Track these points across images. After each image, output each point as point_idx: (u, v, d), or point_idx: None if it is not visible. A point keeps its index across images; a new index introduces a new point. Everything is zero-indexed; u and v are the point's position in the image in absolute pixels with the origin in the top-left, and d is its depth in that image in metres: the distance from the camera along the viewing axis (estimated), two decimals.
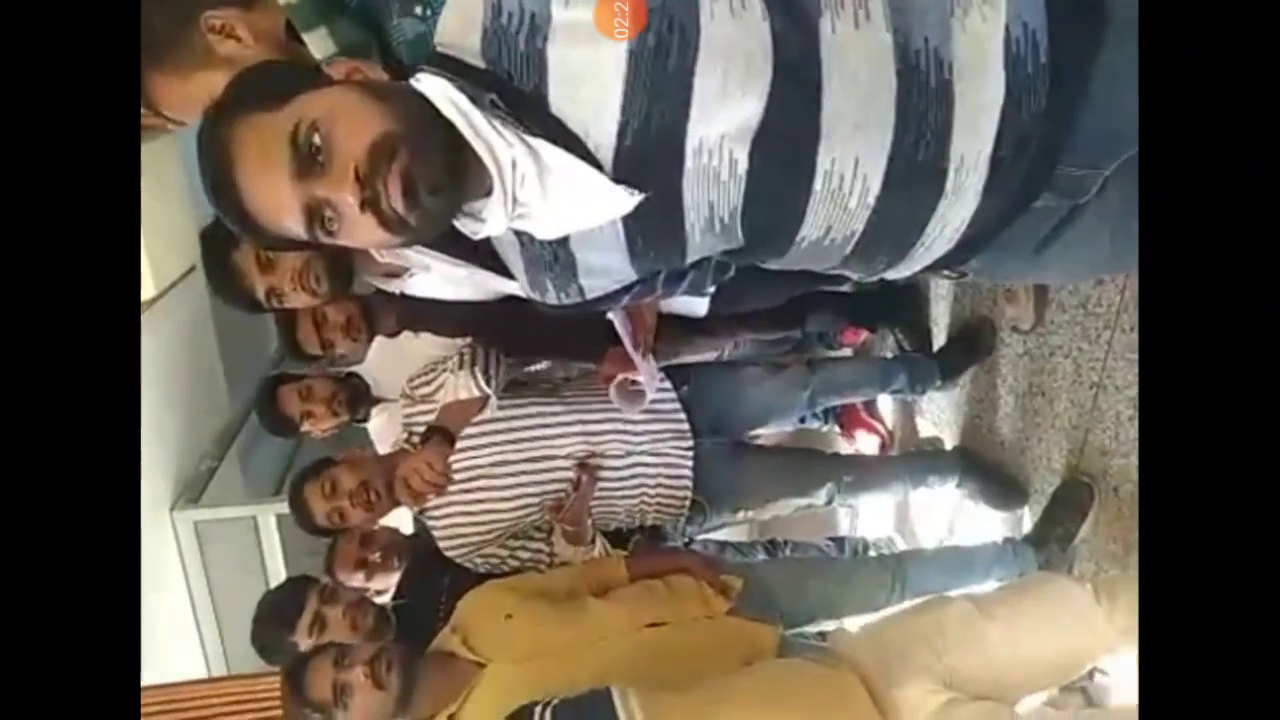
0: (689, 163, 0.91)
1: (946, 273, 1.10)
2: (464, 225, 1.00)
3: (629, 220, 0.96)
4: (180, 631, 3.31)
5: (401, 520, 2.47)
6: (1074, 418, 2.14)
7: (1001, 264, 1.09)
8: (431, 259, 1.29)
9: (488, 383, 1.93)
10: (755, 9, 0.88)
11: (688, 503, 2.15)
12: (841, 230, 0.99)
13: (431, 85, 0.90)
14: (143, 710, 2.43)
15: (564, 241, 1.00)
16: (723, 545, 2.55)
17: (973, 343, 2.51)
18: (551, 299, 1.07)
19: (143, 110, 1.12)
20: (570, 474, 2.03)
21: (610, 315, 1.81)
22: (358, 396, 2.27)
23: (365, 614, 2.02)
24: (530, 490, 2.03)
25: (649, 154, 0.91)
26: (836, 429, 3.10)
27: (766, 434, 2.80)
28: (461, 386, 1.91)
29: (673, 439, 2.14)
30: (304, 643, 1.96)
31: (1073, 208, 1.02)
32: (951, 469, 2.49)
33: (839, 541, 2.80)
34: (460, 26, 0.90)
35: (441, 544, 2.06)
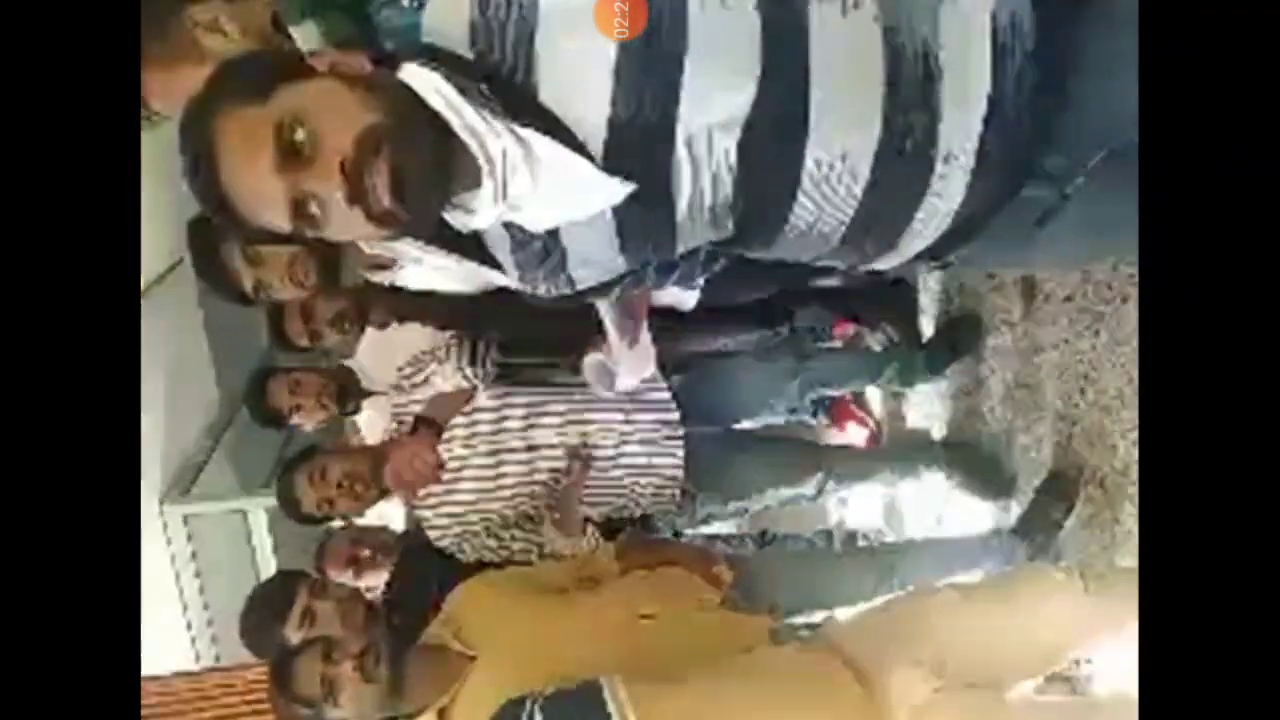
0: (679, 152, 0.91)
1: (934, 263, 1.10)
2: (453, 217, 1.00)
3: (619, 211, 0.96)
4: (169, 625, 3.30)
5: (392, 517, 2.47)
6: (1061, 410, 2.15)
7: (989, 253, 1.09)
8: (421, 251, 1.28)
9: (475, 373, 1.92)
10: None
11: (678, 493, 2.16)
12: (830, 219, 0.99)
13: (418, 76, 0.90)
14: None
15: (554, 233, 0.99)
16: (711, 538, 2.55)
17: (961, 335, 2.52)
18: (541, 290, 1.07)
19: None
20: (561, 464, 2.03)
21: (599, 305, 1.80)
22: (347, 389, 2.27)
23: (355, 608, 2.02)
24: (520, 480, 2.03)
25: (639, 144, 0.91)
26: (826, 421, 3.10)
27: (756, 425, 2.80)
28: (449, 377, 1.91)
29: (663, 429, 2.14)
30: (294, 636, 1.96)
31: (1060, 197, 1.02)
32: (939, 460, 2.50)
33: (828, 533, 2.80)
34: (448, 17, 0.90)
35: (431, 534, 2.05)
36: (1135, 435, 1.92)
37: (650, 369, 1.99)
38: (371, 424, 2.29)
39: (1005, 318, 2.33)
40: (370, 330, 2.19)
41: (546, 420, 2.05)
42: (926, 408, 2.77)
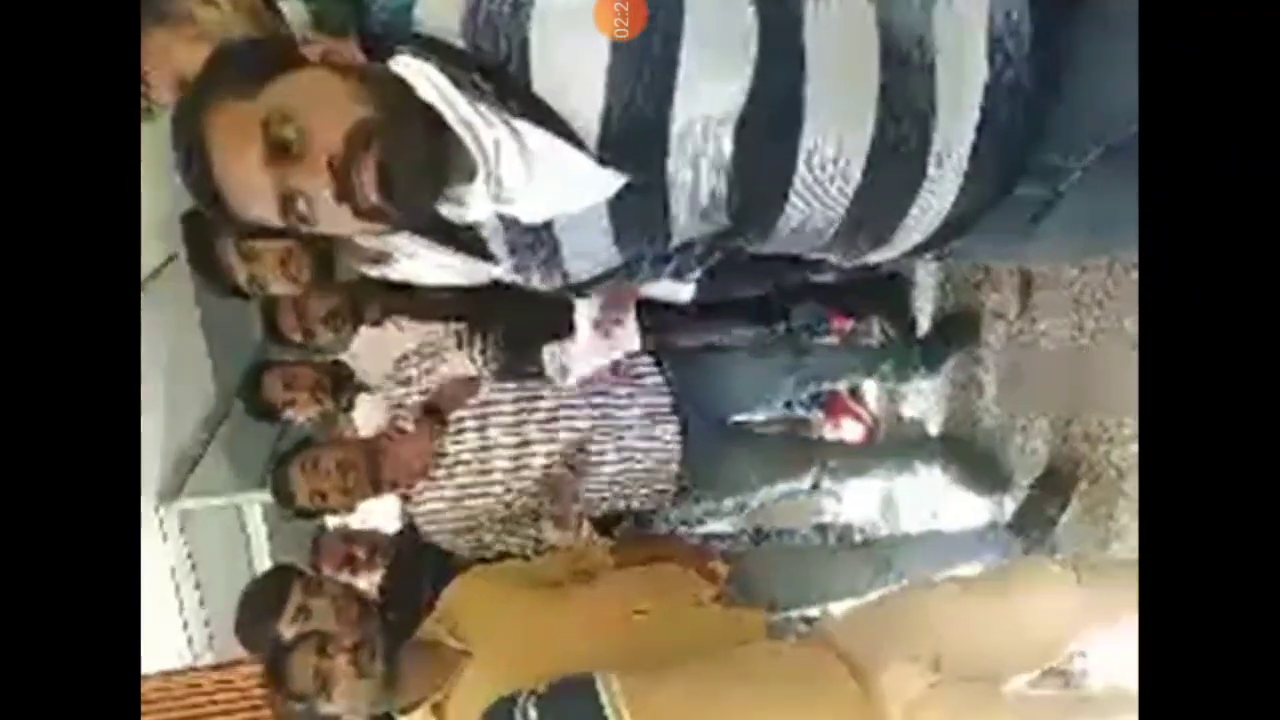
0: (673, 145, 0.91)
1: (928, 255, 1.10)
2: (447, 209, 0.99)
3: (613, 203, 0.95)
4: (164, 620, 3.30)
5: (387, 514, 2.46)
6: (1057, 404, 2.15)
7: (984, 248, 1.10)
8: (415, 245, 1.28)
9: (484, 364, 1.92)
10: None
11: (674, 487, 2.16)
12: (825, 213, 0.99)
13: (411, 67, 0.89)
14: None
15: (548, 225, 0.99)
16: (706, 536, 2.55)
17: (957, 330, 2.52)
18: (536, 283, 1.07)
19: None
20: (553, 458, 2.03)
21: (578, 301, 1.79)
22: (342, 383, 2.26)
23: (350, 603, 2.02)
24: (511, 474, 2.02)
25: (633, 136, 0.90)
26: (821, 415, 3.11)
27: (752, 419, 2.80)
28: (459, 364, 1.91)
29: (659, 423, 2.14)
30: (288, 632, 1.95)
31: (1055, 194, 1.02)
32: (935, 455, 2.51)
33: (824, 528, 2.81)
34: (442, 5, 0.89)
35: (425, 528, 2.05)
36: (1129, 431, 1.92)
37: (604, 359, 1.97)
38: (366, 418, 2.29)
39: (1001, 313, 2.33)
40: (364, 328, 2.19)
41: (542, 414, 2.05)
42: (922, 403, 2.78)
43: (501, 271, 1.08)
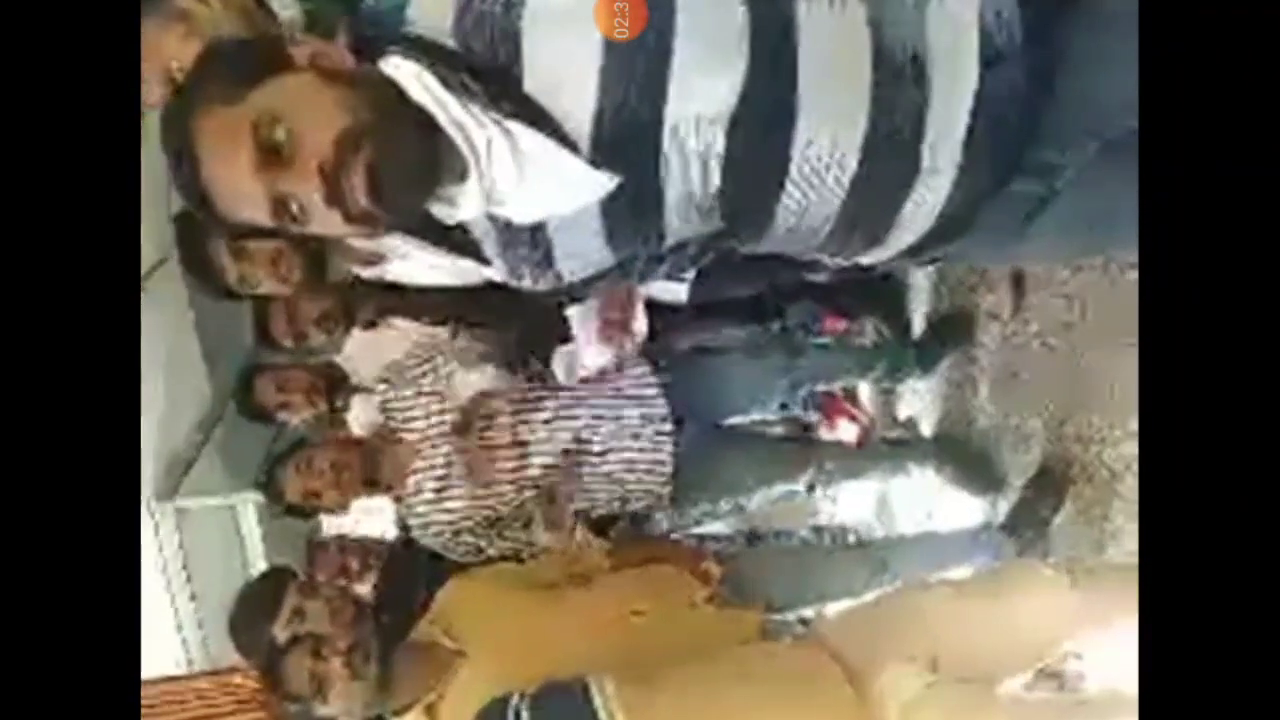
0: (666, 144, 0.91)
1: (922, 257, 1.10)
2: (439, 210, 0.99)
3: (606, 203, 0.95)
4: (158, 621, 3.29)
5: (381, 517, 2.46)
6: (1051, 405, 2.15)
7: (978, 247, 1.09)
8: (408, 246, 1.28)
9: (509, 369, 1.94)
10: None
11: (668, 489, 2.16)
12: (818, 212, 0.98)
13: (401, 69, 0.89)
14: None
15: (540, 226, 0.99)
16: (701, 538, 2.55)
17: (951, 331, 2.52)
18: (529, 284, 1.06)
19: None
20: (550, 460, 2.02)
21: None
22: (335, 385, 2.26)
23: (344, 606, 2.01)
24: (508, 476, 2.02)
25: (626, 136, 0.90)
26: (816, 416, 3.10)
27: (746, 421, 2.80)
28: (475, 376, 1.92)
29: (653, 425, 2.14)
30: (283, 634, 1.95)
31: (1050, 191, 1.02)
32: (930, 456, 2.51)
33: (820, 529, 2.81)
34: (434, 5, 0.89)
35: (419, 530, 2.05)
36: (1122, 432, 1.92)
37: (607, 358, 1.98)
38: (360, 419, 2.28)
39: (995, 313, 2.33)
40: (356, 330, 2.19)
41: (536, 416, 2.05)
42: (917, 403, 2.78)
43: (494, 272, 1.08)
